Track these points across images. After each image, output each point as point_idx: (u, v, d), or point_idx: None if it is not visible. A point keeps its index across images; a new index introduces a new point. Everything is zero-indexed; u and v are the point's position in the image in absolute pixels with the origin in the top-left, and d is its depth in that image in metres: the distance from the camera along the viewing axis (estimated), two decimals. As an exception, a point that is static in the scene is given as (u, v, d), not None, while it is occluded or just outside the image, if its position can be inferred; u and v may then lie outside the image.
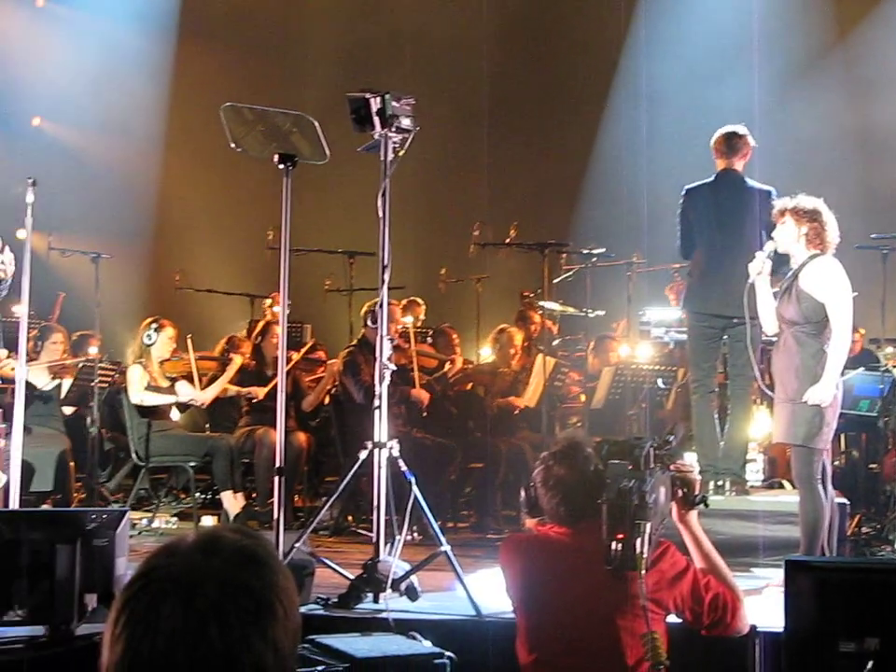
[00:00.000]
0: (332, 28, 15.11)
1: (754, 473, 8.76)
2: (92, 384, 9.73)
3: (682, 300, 8.67)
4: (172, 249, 14.03)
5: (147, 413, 9.65)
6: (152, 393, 9.66)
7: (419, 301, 12.01)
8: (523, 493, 4.41)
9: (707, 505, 4.38)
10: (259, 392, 9.81)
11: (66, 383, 9.89)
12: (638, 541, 3.91)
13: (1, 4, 14.60)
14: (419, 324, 11.91)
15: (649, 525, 3.93)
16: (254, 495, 9.92)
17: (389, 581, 5.92)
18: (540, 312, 10.69)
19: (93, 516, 5.43)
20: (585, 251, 10.44)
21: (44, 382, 9.76)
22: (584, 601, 4.12)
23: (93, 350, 10.16)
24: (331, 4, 15.14)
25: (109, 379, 10.02)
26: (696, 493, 4.24)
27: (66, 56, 14.57)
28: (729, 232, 8.03)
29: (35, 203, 7.02)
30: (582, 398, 10.63)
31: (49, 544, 5.23)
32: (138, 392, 9.60)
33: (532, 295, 11.48)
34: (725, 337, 8.08)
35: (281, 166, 6.36)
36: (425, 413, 9.75)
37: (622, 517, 3.94)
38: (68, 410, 10.04)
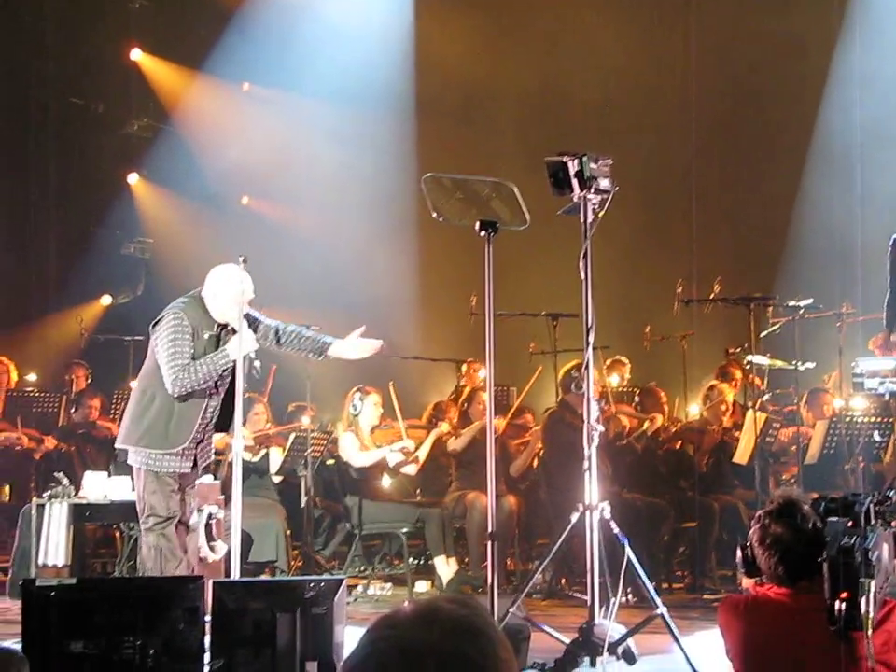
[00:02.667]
0: (527, 90, 15.26)
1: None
2: (305, 453, 9.95)
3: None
4: (380, 318, 14.25)
5: (360, 481, 9.81)
6: (366, 451, 9.84)
7: (623, 359, 11.94)
8: (739, 552, 4.32)
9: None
10: (500, 424, 9.81)
11: (273, 452, 10.11)
12: (863, 601, 3.79)
13: (211, 90, 15.18)
14: (624, 383, 11.84)
15: (873, 584, 3.81)
16: (466, 559, 9.96)
17: (606, 645, 5.86)
18: (747, 366, 10.51)
19: (311, 585, 5.53)
20: (792, 303, 10.24)
21: (251, 453, 10.01)
22: (808, 663, 4.01)
23: (307, 420, 10.39)
24: (525, 66, 15.28)
25: (321, 448, 10.23)
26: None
27: (271, 135, 15.07)
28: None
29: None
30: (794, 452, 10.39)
31: (270, 613, 5.35)
32: (353, 455, 9.78)
33: (738, 350, 11.30)
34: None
35: (482, 233, 6.42)
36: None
37: (844, 576, 3.83)
38: (276, 478, 10.26)
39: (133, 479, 7.26)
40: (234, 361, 6.87)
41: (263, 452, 10.08)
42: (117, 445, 7.27)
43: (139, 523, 7.16)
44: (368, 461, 9.84)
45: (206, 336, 7.08)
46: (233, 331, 7.05)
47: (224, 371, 6.95)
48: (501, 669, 1.79)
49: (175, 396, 6.91)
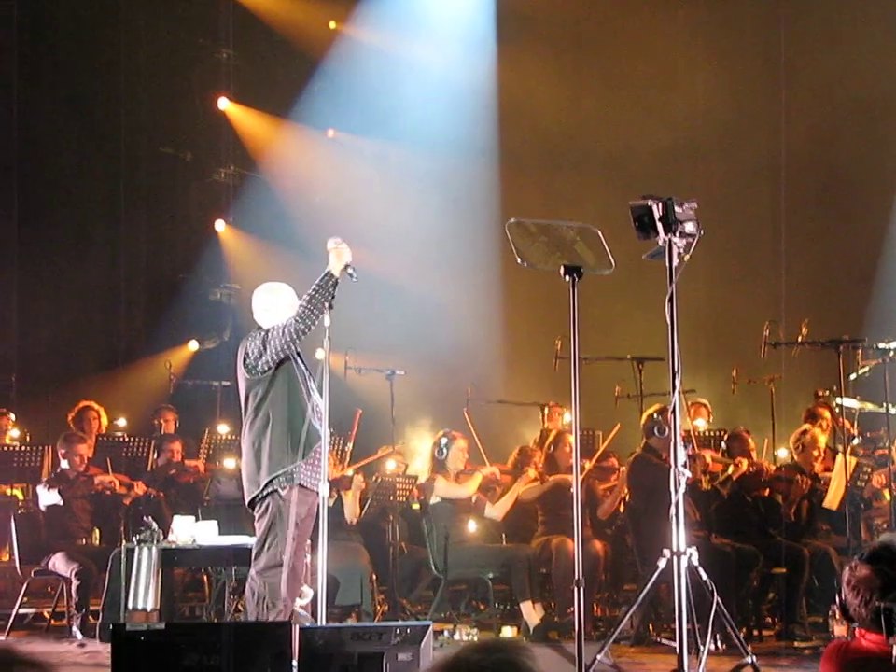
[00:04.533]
0: (612, 135, 15.27)
1: None
2: (391, 498, 9.96)
3: None
4: (463, 362, 14.28)
5: (446, 526, 9.81)
6: (453, 486, 9.88)
7: (705, 402, 11.84)
8: (837, 599, 4.24)
9: None
10: (570, 479, 9.74)
11: (348, 495, 10.11)
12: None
13: (297, 137, 15.38)
14: (707, 427, 11.74)
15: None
16: (553, 605, 9.89)
17: (695, 693, 5.78)
18: (837, 409, 10.37)
19: (398, 630, 5.53)
20: (882, 345, 10.11)
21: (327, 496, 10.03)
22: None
23: (391, 465, 10.41)
24: (610, 111, 15.30)
25: (407, 492, 10.24)
26: None
27: (356, 181, 15.23)
28: None
29: (332, 324, 7.30)
30: (887, 497, 10.21)
31: (358, 658, 5.35)
32: (451, 490, 9.83)
33: (827, 393, 11.16)
34: None
35: (567, 277, 6.42)
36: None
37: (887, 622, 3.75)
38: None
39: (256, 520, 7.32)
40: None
41: (335, 496, 10.11)
42: (249, 498, 7.30)
43: (252, 564, 7.20)
44: (466, 491, 9.87)
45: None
46: None
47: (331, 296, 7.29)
48: None
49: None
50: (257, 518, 7.24)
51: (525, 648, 1.91)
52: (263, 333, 7.26)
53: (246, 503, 7.30)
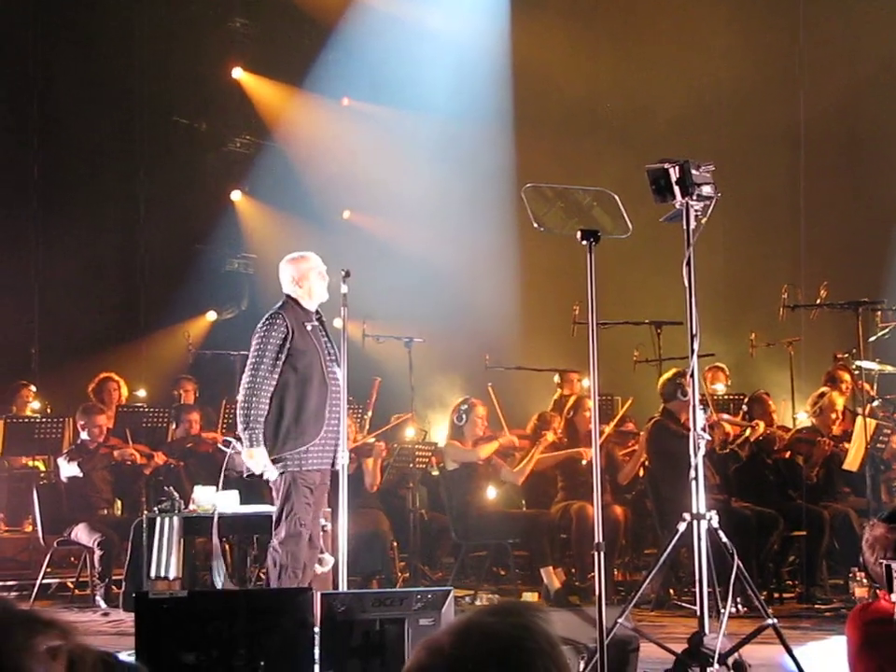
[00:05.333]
0: (627, 99, 15.21)
1: None
2: (410, 465, 9.99)
3: None
4: (480, 329, 14.27)
5: (466, 492, 9.83)
6: (462, 449, 9.89)
7: (723, 366, 11.83)
8: (860, 560, 4.24)
9: None
10: (587, 453, 9.75)
11: (368, 463, 10.15)
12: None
13: (311, 105, 15.35)
14: (726, 391, 11.73)
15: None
16: (573, 570, 9.92)
17: (716, 656, 5.79)
18: (856, 372, 10.35)
19: (419, 596, 5.55)
20: (901, 307, 10.08)
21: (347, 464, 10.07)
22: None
23: (410, 432, 10.43)
24: (626, 75, 15.23)
25: (426, 460, 10.26)
26: None
27: (370, 150, 15.19)
28: None
29: (349, 292, 7.31)
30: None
31: (379, 624, 5.37)
32: (464, 454, 9.84)
33: (846, 355, 11.13)
34: None
35: (584, 242, 6.39)
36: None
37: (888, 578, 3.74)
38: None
39: (273, 491, 7.37)
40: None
41: (356, 464, 10.14)
42: (248, 473, 7.39)
43: (272, 535, 7.26)
44: (476, 455, 9.88)
45: (309, 328, 7.31)
46: (325, 332, 7.38)
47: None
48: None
49: (241, 399, 7.23)
50: (274, 488, 7.29)
51: (539, 610, 1.92)
52: (256, 338, 7.30)
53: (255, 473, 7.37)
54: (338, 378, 7.32)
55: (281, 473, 7.19)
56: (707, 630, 5.96)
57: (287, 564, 7.10)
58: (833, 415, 10.01)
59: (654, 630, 6.97)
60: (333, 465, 7.30)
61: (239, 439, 7.45)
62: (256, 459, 7.14)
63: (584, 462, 9.76)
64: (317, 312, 7.47)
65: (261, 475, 7.30)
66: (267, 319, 7.33)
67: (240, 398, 7.30)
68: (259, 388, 7.18)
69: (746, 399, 10.64)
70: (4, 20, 13.84)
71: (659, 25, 15.16)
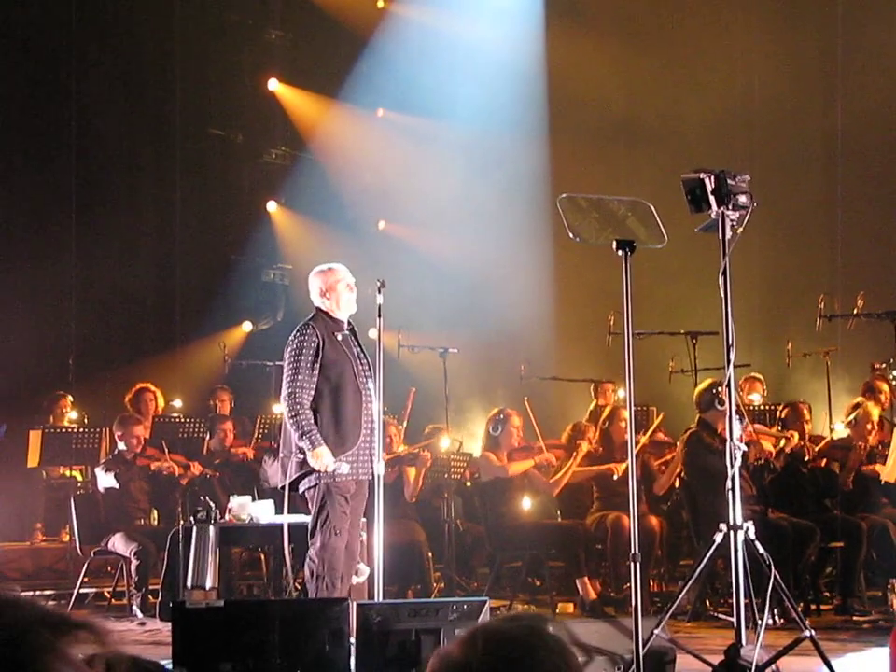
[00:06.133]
0: (662, 110, 15.17)
1: None
2: (445, 475, 9.99)
3: None
4: (516, 339, 14.28)
5: (501, 503, 9.83)
6: (494, 465, 9.87)
7: (759, 377, 11.77)
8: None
9: None
10: (619, 468, 9.73)
11: (410, 472, 10.18)
12: None
13: (347, 117, 15.41)
14: (762, 401, 11.67)
15: None
16: (609, 580, 9.89)
17: (753, 668, 5.76)
18: (894, 382, 10.28)
19: (455, 607, 5.55)
20: (940, 316, 10.01)
21: (385, 474, 10.08)
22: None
23: (445, 442, 10.43)
24: (660, 86, 15.20)
25: (461, 471, 10.26)
26: None
27: (405, 160, 15.24)
28: None
29: (384, 303, 7.33)
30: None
31: (415, 635, 5.38)
32: (498, 469, 9.83)
33: (884, 366, 11.06)
34: None
35: (619, 252, 6.38)
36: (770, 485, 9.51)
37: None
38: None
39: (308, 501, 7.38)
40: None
41: (396, 473, 10.16)
42: (283, 483, 7.38)
43: (309, 543, 7.27)
44: (508, 472, 9.87)
45: (339, 338, 7.34)
46: (357, 342, 7.44)
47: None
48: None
49: (287, 411, 7.21)
50: (308, 498, 7.30)
51: (547, 617, 1.97)
52: (291, 349, 7.32)
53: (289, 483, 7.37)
54: (370, 388, 7.34)
55: (315, 485, 7.21)
56: (743, 642, 5.94)
57: (324, 574, 7.10)
58: (869, 426, 9.95)
59: (691, 641, 6.94)
60: (371, 474, 7.31)
61: (273, 451, 7.47)
62: (322, 459, 7.09)
63: (616, 477, 9.74)
64: (349, 322, 7.50)
65: (296, 487, 7.30)
66: (298, 330, 7.38)
67: (285, 409, 7.30)
68: (301, 395, 7.19)
69: (782, 408, 10.59)
70: (42, 31, 13.97)
71: (694, 33, 15.11)
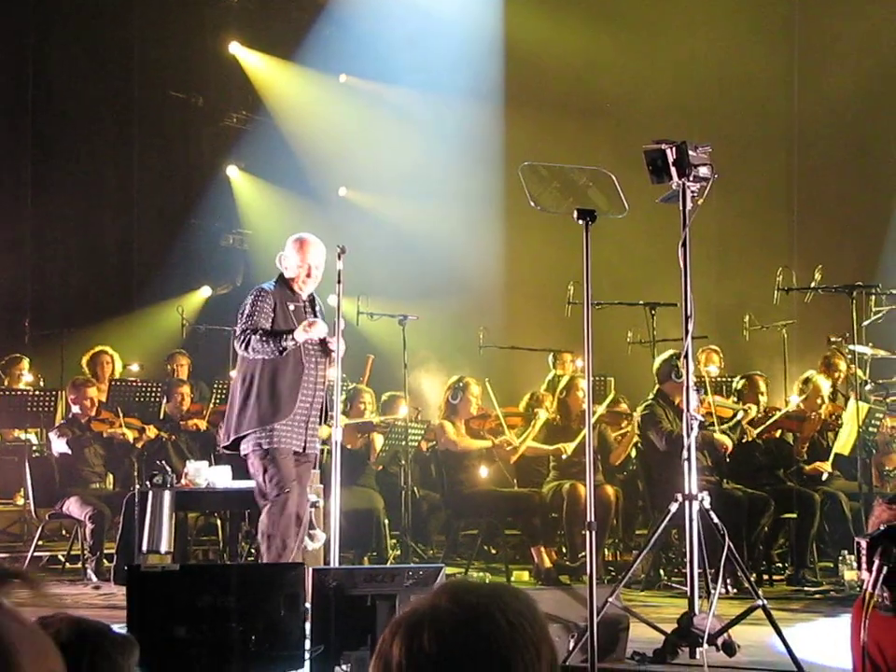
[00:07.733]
0: (622, 80, 15.17)
1: None
2: (403, 443, 10.00)
3: None
4: (475, 308, 14.28)
5: (458, 470, 9.86)
6: (468, 440, 9.91)
7: (716, 349, 11.83)
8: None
9: None
10: (568, 448, 9.80)
11: (377, 440, 10.22)
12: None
13: (308, 81, 15.32)
14: (719, 373, 11.74)
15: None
16: (564, 549, 9.94)
17: (706, 636, 5.81)
18: (849, 356, 10.35)
19: (411, 573, 5.56)
20: (895, 291, 10.08)
21: (355, 441, 10.11)
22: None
23: (403, 410, 10.44)
24: (620, 56, 15.19)
25: (419, 437, 10.28)
26: None
27: (366, 126, 15.18)
28: None
29: (344, 269, 7.30)
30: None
31: (371, 600, 5.39)
32: (454, 441, 9.85)
33: (840, 339, 11.13)
34: None
35: (580, 221, 6.37)
36: (727, 460, 9.57)
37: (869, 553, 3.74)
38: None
39: (247, 466, 7.37)
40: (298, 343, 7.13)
41: (365, 440, 10.17)
42: (224, 444, 7.40)
43: (259, 507, 7.27)
44: (464, 447, 9.89)
45: (292, 308, 7.33)
46: (314, 312, 7.38)
47: (284, 351, 7.08)
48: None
49: (241, 354, 7.22)
50: (250, 467, 7.28)
51: (506, 591, 1.94)
52: (247, 304, 7.30)
53: (225, 444, 7.38)
54: (318, 363, 7.30)
55: (254, 449, 7.18)
56: (696, 610, 5.99)
57: (276, 533, 7.10)
58: (819, 400, 10.02)
59: (644, 610, 6.98)
60: (304, 450, 7.30)
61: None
62: (302, 333, 7.09)
63: (564, 457, 9.80)
64: (310, 295, 7.47)
65: (237, 448, 7.29)
66: (254, 291, 7.37)
67: (237, 346, 7.23)
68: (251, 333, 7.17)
69: (738, 380, 10.65)
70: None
71: (655, 5, 15.11)
